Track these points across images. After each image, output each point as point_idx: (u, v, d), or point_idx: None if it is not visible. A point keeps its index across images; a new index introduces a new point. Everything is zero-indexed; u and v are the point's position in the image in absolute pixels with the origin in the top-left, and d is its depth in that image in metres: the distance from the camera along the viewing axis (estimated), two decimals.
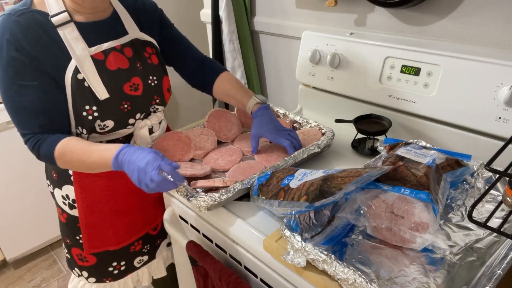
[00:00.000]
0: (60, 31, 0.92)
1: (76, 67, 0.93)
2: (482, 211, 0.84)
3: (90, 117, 0.96)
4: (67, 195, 1.10)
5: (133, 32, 1.04)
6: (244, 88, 1.17)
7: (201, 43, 2.13)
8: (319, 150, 1.06)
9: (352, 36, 1.23)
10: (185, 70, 1.21)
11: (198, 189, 0.94)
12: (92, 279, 1.20)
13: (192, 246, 0.96)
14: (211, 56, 1.75)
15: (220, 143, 1.20)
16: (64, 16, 0.92)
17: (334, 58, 1.25)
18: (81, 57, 0.93)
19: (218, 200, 0.88)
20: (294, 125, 1.23)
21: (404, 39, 1.17)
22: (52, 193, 1.15)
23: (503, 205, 0.71)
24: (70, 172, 1.06)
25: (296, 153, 1.02)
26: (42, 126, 0.95)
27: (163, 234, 1.28)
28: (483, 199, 0.79)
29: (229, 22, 1.60)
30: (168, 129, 1.23)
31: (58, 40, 0.92)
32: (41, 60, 0.91)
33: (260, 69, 1.75)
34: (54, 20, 0.91)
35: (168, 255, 1.33)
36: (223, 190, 0.90)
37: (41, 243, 2.17)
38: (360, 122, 1.17)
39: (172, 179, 0.84)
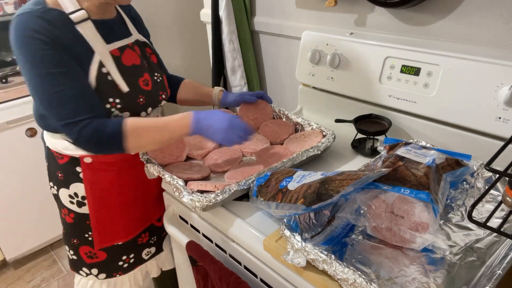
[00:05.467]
0: (79, 28, 0.95)
1: (100, 61, 0.96)
2: (482, 211, 0.84)
3: (112, 109, 0.99)
4: (75, 193, 1.11)
5: (135, 33, 1.09)
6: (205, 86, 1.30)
7: (201, 43, 2.13)
8: (319, 152, 1.06)
9: (352, 36, 1.23)
10: None
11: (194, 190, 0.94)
12: (103, 275, 1.22)
13: (192, 246, 0.96)
14: (211, 56, 1.76)
15: None
16: (83, 13, 0.95)
17: (334, 58, 1.25)
18: (102, 52, 0.96)
19: (213, 201, 0.88)
20: (296, 126, 1.23)
21: (404, 39, 1.17)
22: (56, 195, 1.16)
23: (503, 205, 0.71)
24: (79, 169, 1.08)
25: (295, 154, 1.02)
26: (92, 107, 0.94)
27: None
28: (483, 199, 0.79)
29: (229, 22, 1.60)
30: None
31: (78, 35, 0.95)
32: (72, 49, 0.92)
33: (260, 69, 1.75)
34: (73, 17, 0.94)
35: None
36: (219, 191, 0.90)
37: (41, 243, 2.17)
38: (360, 122, 1.17)
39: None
